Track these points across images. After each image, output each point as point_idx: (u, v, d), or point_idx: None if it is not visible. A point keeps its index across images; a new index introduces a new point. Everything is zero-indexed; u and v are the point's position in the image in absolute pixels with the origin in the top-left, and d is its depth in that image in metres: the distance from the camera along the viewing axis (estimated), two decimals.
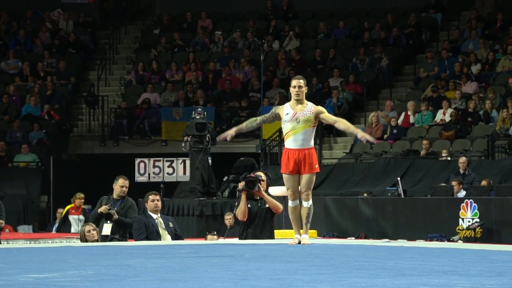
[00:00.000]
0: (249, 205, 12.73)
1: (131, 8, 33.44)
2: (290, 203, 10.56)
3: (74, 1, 32.47)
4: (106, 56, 30.74)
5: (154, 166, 21.91)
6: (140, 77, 29.12)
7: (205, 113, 22.97)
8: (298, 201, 10.47)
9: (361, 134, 10.65)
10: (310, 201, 10.53)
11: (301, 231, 10.69)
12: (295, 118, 10.25)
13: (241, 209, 12.60)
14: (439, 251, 10.80)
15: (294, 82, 10.45)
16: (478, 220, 16.73)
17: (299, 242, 10.46)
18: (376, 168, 22.75)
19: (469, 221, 16.74)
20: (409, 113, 24.74)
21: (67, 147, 28.14)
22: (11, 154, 25.61)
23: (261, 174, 13.05)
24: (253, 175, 12.85)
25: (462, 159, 20.22)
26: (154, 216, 13.25)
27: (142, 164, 21.68)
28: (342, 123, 10.73)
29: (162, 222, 13.36)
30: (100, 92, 29.09)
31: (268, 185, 13.21)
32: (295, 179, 10.42)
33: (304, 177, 10.44)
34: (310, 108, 10.32)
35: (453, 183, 18.98)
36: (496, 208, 16.88)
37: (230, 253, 9.72)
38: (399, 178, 20.47)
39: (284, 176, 10.56)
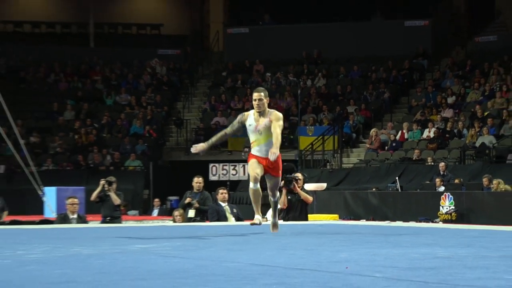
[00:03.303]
0: (289, 197, 12.36)
1: (206, 58, 32.53)
2: (251, 185, 7.78)
3: (167, 53, 32.12)
4: (188, 91, 30.16)
5: (222, 169, 21.59)
6: (213, 106, 28.87)
7: None
8: (259, 185, 7.79)
9: (272, 151, 7.57)
10: (277, 195, 8.28)
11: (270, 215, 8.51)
12: (257, 130, 7.71)
13: (282, 200, 12.13)
14: (425, 229, 10.45)
15: (254, 95, 7.70)
16: (453, 207, 16.09)
17: (260, 223, 8.02)
18: (381, 171, 21.82)
19: (447, 208, 16.20)
20: (404, 131, 23.73)
21: (162, 156, 27.87)
22: (123, 160, 25.41)
23: (299, 175, 12.53)
24: (292, 176, 12.44)
25: (442, 164, 19.45)
26: (223, 204, 13.02)
27: (214, 168, 21.46)
28: (274, 137, 7.65)
29: (229, 208, 13.11)
30: (185, 116, 28.74)
31: (304, 182, 12.76)
32: (260, 166, 7.69)
33: (272, 181, 7.96)
34: (268, 118, 7.65)
35: (436, 181, 18.45)
36: (466, 199, 16.28)
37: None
38: (397, 178, 19.60)
39: (252, 160, 7.76)
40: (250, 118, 7.68)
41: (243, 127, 7.77)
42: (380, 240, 7.46)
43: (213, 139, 7.99)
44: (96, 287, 3.67)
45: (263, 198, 8.20)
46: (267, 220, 9.39)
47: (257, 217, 7.92)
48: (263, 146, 7.65)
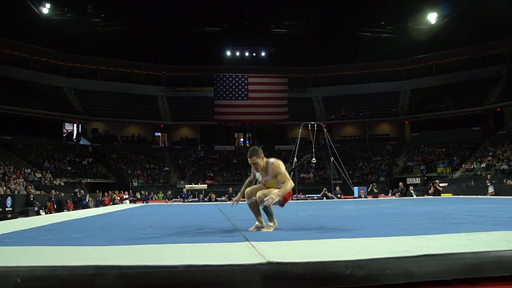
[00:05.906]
0: (437, 188, 15.55)
1: (405, 144, 37.27)
2: (247, 201, 6.18)
3: (384, 150, 37.18)
4: (398, 156, 35.31)
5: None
6: (406, 160, 34.27)
7: None
8: (252, 200, 5.97)
9: (270, 196, 5.79)
10: (265, 202, 5.84)
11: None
12: (264, 181, 6.12)
13: (433, 189, 15.71)
14: (484, 198, 12.48)
15: (249, 161, 6.11)
16: (493, 191, 19.68)
17: (258, 229, 6.07)
18: (466, 180, 27.81)
19: (490, 190, 19.60)
20: (474, 165, 30.32)
21: (391, 175, 31.55)
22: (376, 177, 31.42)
23: (437, 180, 15.73)
24: (435, 181, 16.50)
25: (489, 176, 25.01)
26: (412, 191, 15.50)
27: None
28: (283, 187, 5.90)
29: (413, 192, 15.92)
30: (395, 162, 34.29)
31: (439, 183, 15.03)
32: (258, 191, 6.08)
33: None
34: (269, 172, 6.04)
35: (487, 182, 22.87)
36: (499, 187, 20.58)
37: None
38: (472, 181, 26.60)
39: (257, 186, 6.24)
40: (257, 173, 6.29)
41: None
42: (461, 202, 10.14)
43: (242, 189, 6.44)
44: (383, 221, 5.84)
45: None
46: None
47: (256, 224, 6.24)
48: (278, 185, 6.01)
